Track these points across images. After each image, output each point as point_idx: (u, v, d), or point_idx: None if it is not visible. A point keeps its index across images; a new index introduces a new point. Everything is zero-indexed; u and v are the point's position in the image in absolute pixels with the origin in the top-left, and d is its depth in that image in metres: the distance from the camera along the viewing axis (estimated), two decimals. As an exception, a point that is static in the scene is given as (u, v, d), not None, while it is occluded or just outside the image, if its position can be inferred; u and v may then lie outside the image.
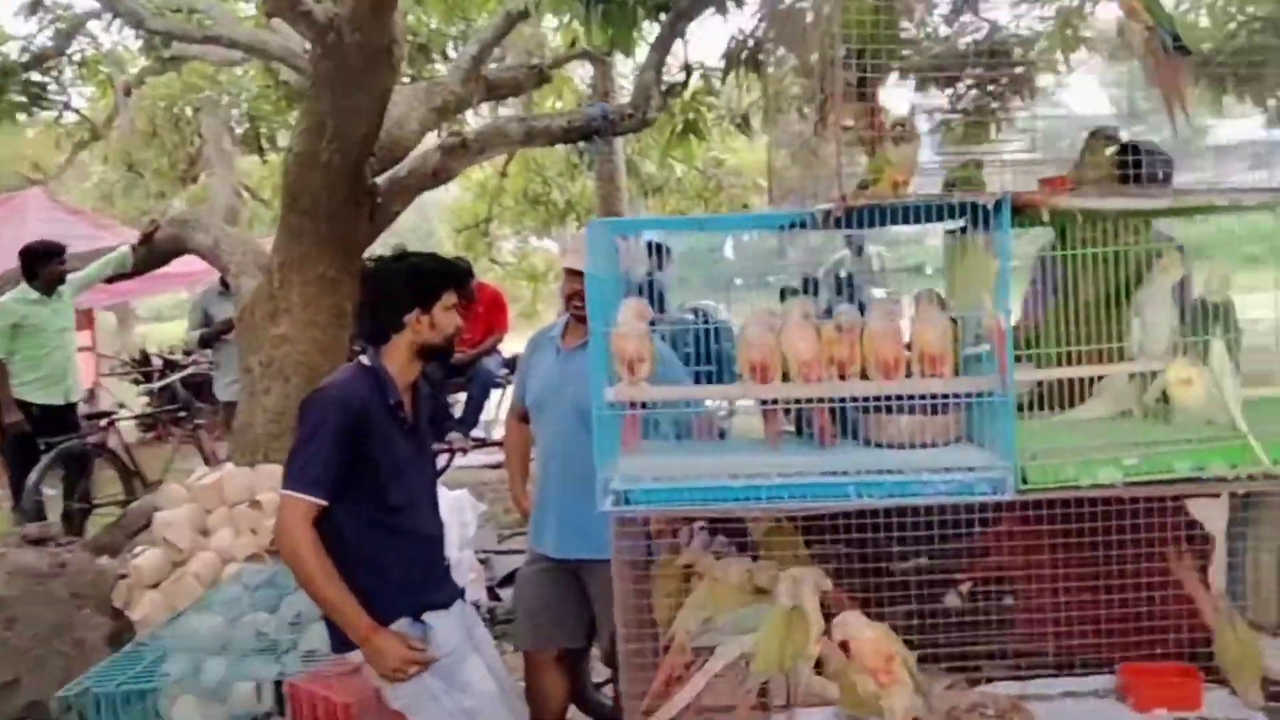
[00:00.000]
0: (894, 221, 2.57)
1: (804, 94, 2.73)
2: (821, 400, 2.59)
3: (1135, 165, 2.58)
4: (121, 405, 10.40)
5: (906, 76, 2.86)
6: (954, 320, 2.54)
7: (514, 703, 3.40)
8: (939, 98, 3.27)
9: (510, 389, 9.08)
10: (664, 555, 2.92)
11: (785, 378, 2.54)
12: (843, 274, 7.81)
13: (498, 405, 9.31)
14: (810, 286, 3.14)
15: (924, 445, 2.59)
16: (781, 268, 3.37)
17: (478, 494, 6.13)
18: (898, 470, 2.41)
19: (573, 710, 4.19)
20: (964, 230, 2.51)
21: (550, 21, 8.73)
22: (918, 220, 2.64)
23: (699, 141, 9.23)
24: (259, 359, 6.23)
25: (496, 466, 8.96)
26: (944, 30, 4.24)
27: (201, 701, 3.42)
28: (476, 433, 9.10)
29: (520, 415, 4.08)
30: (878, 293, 6.44)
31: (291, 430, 3.21)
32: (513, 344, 10.71)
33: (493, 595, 5.92)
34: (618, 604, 2.52)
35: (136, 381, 12.62)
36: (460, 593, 3.39)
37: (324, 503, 2.99)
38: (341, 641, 3.10)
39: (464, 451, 8.76)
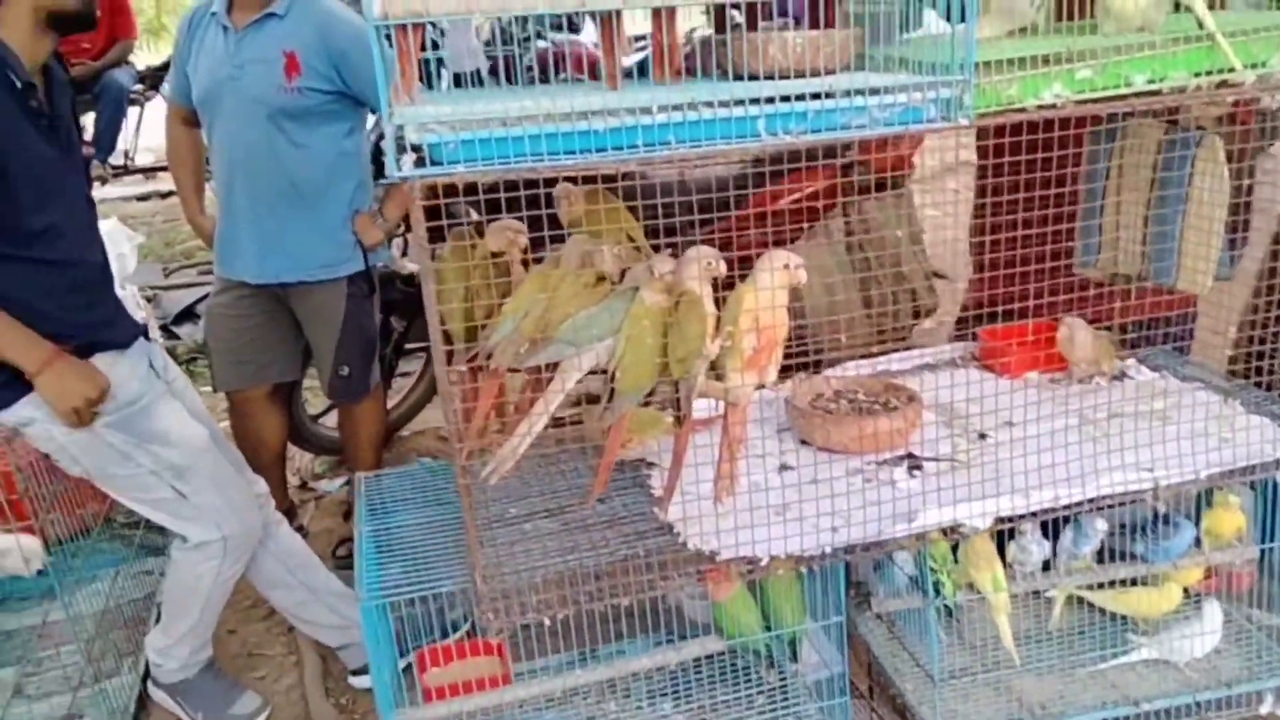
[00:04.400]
0: None
1: None
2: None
3: None
4: None
5: None
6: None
7: (228, 449, 2.49)
8: None
9: (152, 104, 7.33)
10: (450, 240, 1.95)
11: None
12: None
13: (136, 127, 7.41)
14: None
15: (814, 73, 1.75)
16: None
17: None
18: (818, 96, 1.57)
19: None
20: None
21: None
22: None
23: None
24: None
25: (145, 198, 7.28)
26: None
27: None
28: (114, 160, 7.25)
29: (184, 118, 2.97)
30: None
31: None
32: (144, 56, 8.61)
33: (170, 335, 4.66)
34: (430, 312, 1.56)
35: None
36: (141, 330, 2.31)
37: None
38: None
39: (102, 181, 6.98)
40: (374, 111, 2.98)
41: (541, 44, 3.04)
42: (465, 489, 1.52)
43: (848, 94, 1.59)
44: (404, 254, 3.66)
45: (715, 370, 1.67)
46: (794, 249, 2.98)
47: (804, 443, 2.05)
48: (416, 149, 1.47)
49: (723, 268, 1.65)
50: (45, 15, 1.98)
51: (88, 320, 2.13)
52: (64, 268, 2.07)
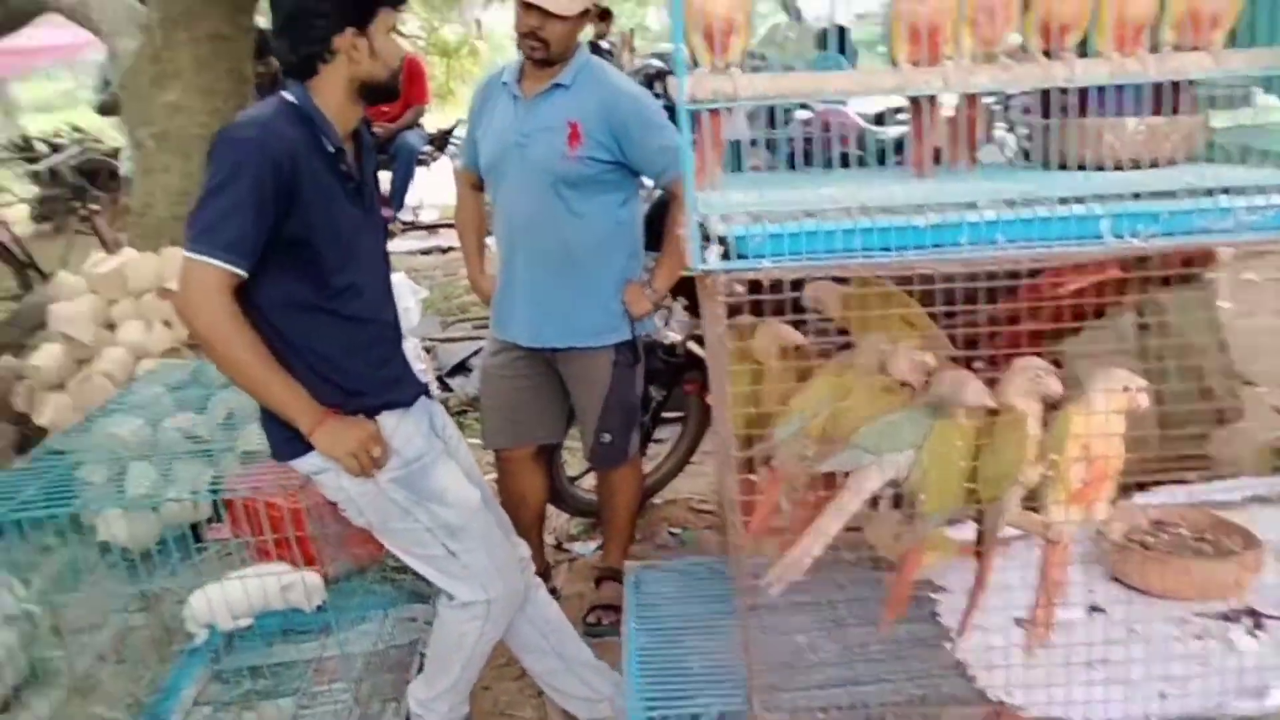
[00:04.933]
0: None
1: None
2: (1016, 96, 1.51)
3: None
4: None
5: None
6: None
7: (498, 511, 2.50)
8: None
9: (438, 164, 7.88)
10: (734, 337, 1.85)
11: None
12: None
13: (423, 185, 7.98)
14: None
15: (1156, 165, 1.54)
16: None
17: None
18: (1160, 195, 1.37)
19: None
20: None
21: None
22: None
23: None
24: (150, 132, 4.93)
25: (428, 252, 7.78)
26: None
27: (130, 513, 2.75)
28: (403, 215, 7.83)
29: (472, 183, 3.08)
30: None
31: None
32: (433, 119, 9.27)
33: (444, 386, 4.89)
34: (720, 401, 1.48)
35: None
36: (424, 389, 2.37)
37: (242, 273, 1.98)
38: (284, 448, 2.18)
39: (391, 235, 7.54)
40: (644, 185, 3.01)
41: (804, 114, 2.94)
42: (744, 610, 1.41)
43: (1209, 193, 1.37)
44: (665, 324, 3.65)
45: (1033, 500, 1.47)
46: (1072, 345, 2.70)
47: (1115, 580, 1.79)
48: (722, 240, 1.39)
49: (1056, 385, 1.46)
50: (358, 85, 2.09)
51: (380, 377, 2.20)
52: (362, 324, 2.16)
